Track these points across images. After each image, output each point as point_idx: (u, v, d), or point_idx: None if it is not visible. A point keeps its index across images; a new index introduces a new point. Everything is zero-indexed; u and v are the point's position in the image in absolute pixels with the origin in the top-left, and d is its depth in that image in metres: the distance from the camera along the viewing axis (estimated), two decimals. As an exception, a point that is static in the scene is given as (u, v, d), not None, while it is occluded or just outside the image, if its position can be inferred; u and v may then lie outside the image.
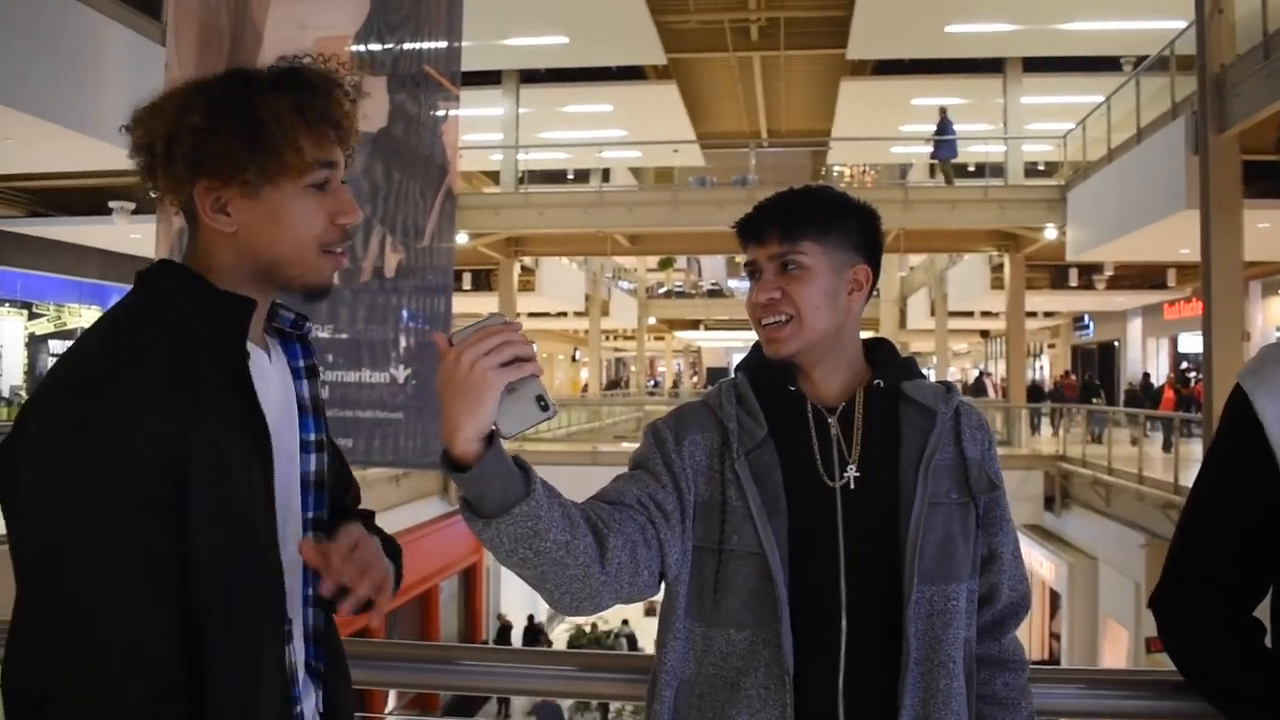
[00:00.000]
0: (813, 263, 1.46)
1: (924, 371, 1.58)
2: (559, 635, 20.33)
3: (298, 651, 1.30)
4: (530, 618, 19.68)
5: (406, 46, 3.31)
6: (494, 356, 1.15)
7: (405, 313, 3.31)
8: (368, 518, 1.46)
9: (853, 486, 1.43)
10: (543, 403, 1.18)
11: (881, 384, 1.50)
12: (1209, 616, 1.44)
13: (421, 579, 15.07)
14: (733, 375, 1.55)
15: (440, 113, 3.37)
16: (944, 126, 18.13)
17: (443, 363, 1.16)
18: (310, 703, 1.33)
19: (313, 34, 3.31)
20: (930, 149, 19.10)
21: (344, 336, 3.27)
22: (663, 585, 1.45)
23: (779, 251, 1.47)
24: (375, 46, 3.31)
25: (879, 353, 1.54)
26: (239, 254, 1.26)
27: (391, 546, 1.43)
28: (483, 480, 1.20)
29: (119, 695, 1.09)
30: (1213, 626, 1.44)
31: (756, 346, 1.55)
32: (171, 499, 1.13)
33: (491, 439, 1.19)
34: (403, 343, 3.30)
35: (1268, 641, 1.44)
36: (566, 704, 14.28)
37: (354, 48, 3.26)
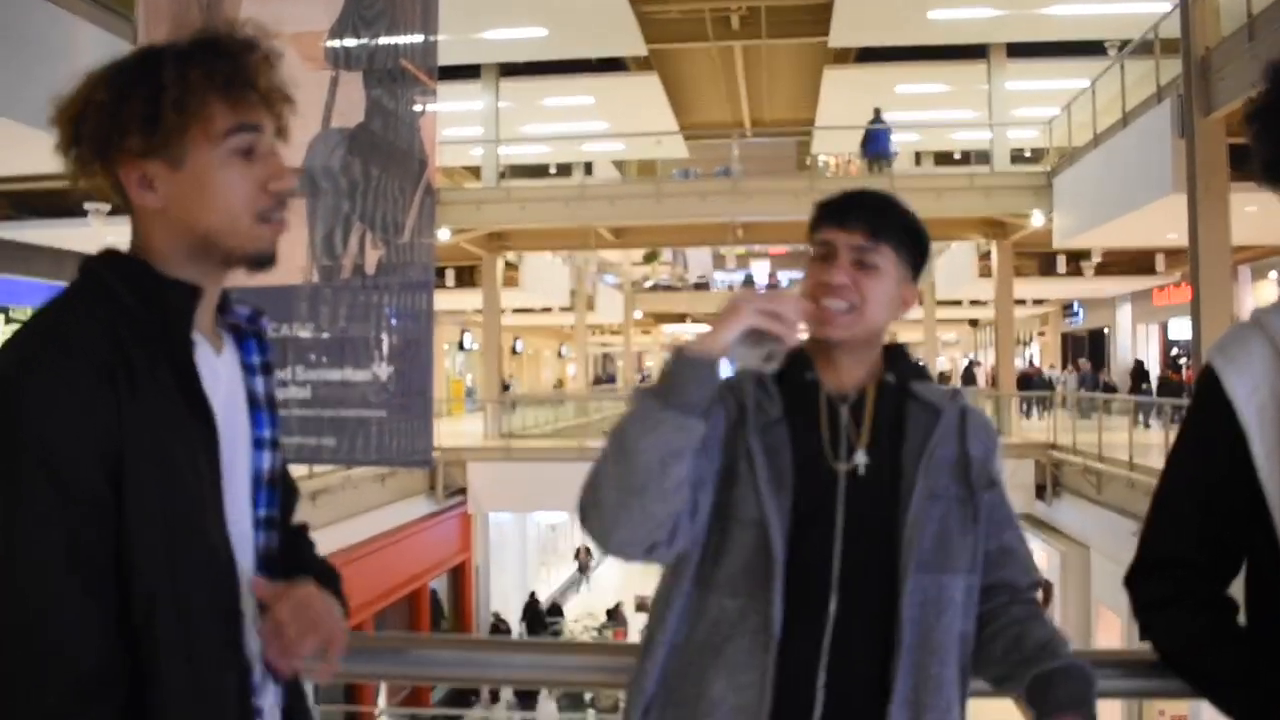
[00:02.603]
0: (887, 267, 1.53)
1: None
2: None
3: (253, 646, 1.27)
4: (532, 594, 19.62)
5: (382, 41, 3.29)
6: (758, 303, 1.39)
7: (387, 310, 3.27)
8: (309, 552, 1.45)
9: (861, 473, 1.50)
10: (770, 358, 1.40)
11: (894, 381, 1.57)
12: (1182, 596, 1.46)
13: (409, 578, 15.02)
14: None
15: (418, 107, 3.34)
16: (874, 127, 18.01)
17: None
18: (269, 698, 1.32)
19: (286, 29, 3.24)
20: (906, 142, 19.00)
21: (325, 335, 3.24)
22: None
23: (863, 244, 1.53)
24: (350, 41, 3.28)
25: (894, 354, 1.61)
26: (173, 231, 1.23)
27: (330, 575, 1.42)
28: (687, 377, 1.38)
29: (38, 691, 1.08)
30: (1186, 606, 1.46)
31: None
32: (103, 492, 1.12)
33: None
34: (385, 340, 3.27)
35: (1241, 619, 1.45)
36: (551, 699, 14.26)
37: (329, 43, 3.22)
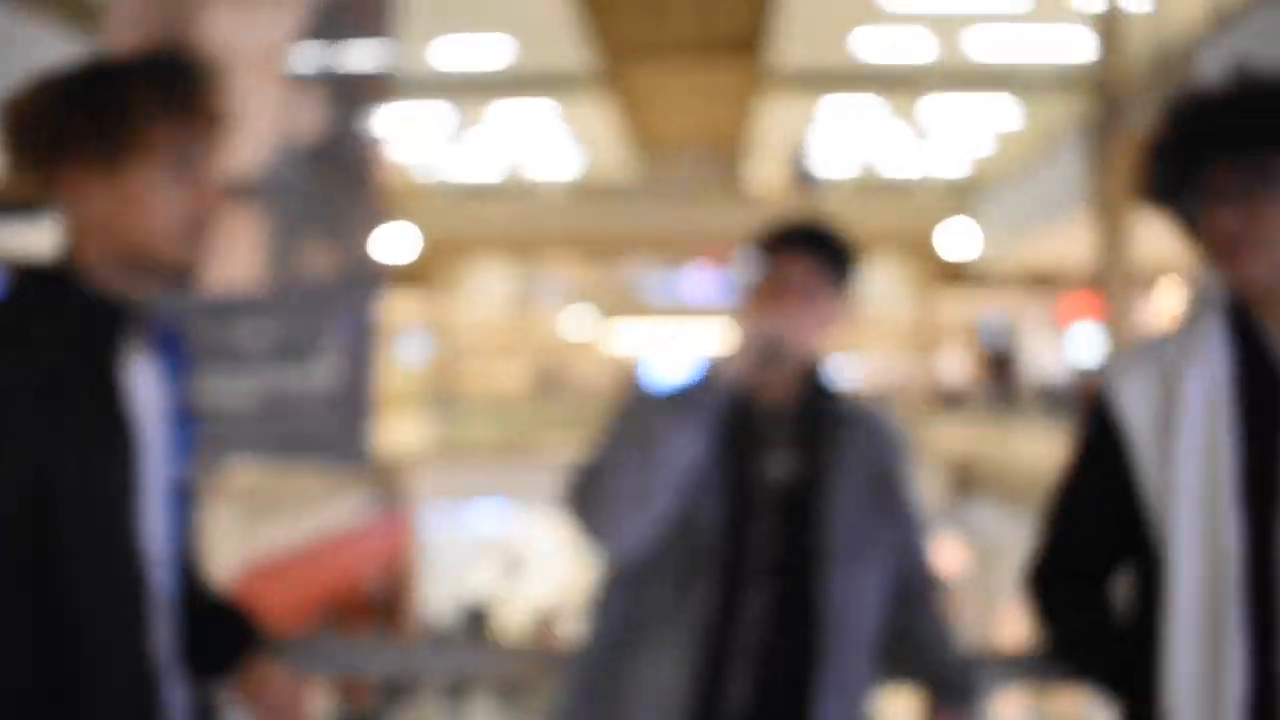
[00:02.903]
0: (830, 296, 1.66)
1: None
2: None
3: (165, 647, 1.29)
4: (472, 606, 19.52)
5: (341, 57, 3.35)
6: (762, 322, 1.54)
7: (334, 316, 3.32)
8: (213, 592, 1.46)
9: (787, 479, 1.60)
10: (779, 361, 1.56)
11: (826, 394, 1.67)
12: (1072, 600, 1.54)
13: (350, 580, 14.88)
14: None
15: (373, 118, 3.41)
16: (802, 156, 18.49)
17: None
18: (177, 692, 1.32)
19: (245, 40, 3.37)
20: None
21: (270, 341, 3.32)
22: None
23: (814, 276, 1.64)
24: (310, 54, 3.33)
25: (823, 368, 1.71)
26: (104, 241, 1.25)
27: (243, 621, 1.45)
28: (714, 392, 1.52)
29: None
30: (1077, 609, 1.53)
31: None
32: (26, 510, 1.16)
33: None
34: (330, 344, 3.29)
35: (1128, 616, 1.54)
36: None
37: (288, 54, 3.31)
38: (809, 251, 1.63)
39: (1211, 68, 8.46)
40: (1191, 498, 1.38)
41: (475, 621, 19.41)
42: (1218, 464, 1.37)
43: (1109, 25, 10.85)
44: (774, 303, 1.60)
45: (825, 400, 1.66)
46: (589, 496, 1.51)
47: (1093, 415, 1.50)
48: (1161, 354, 1.45)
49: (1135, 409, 1.43)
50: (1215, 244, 1.40)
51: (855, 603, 1.56)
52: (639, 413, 1.53)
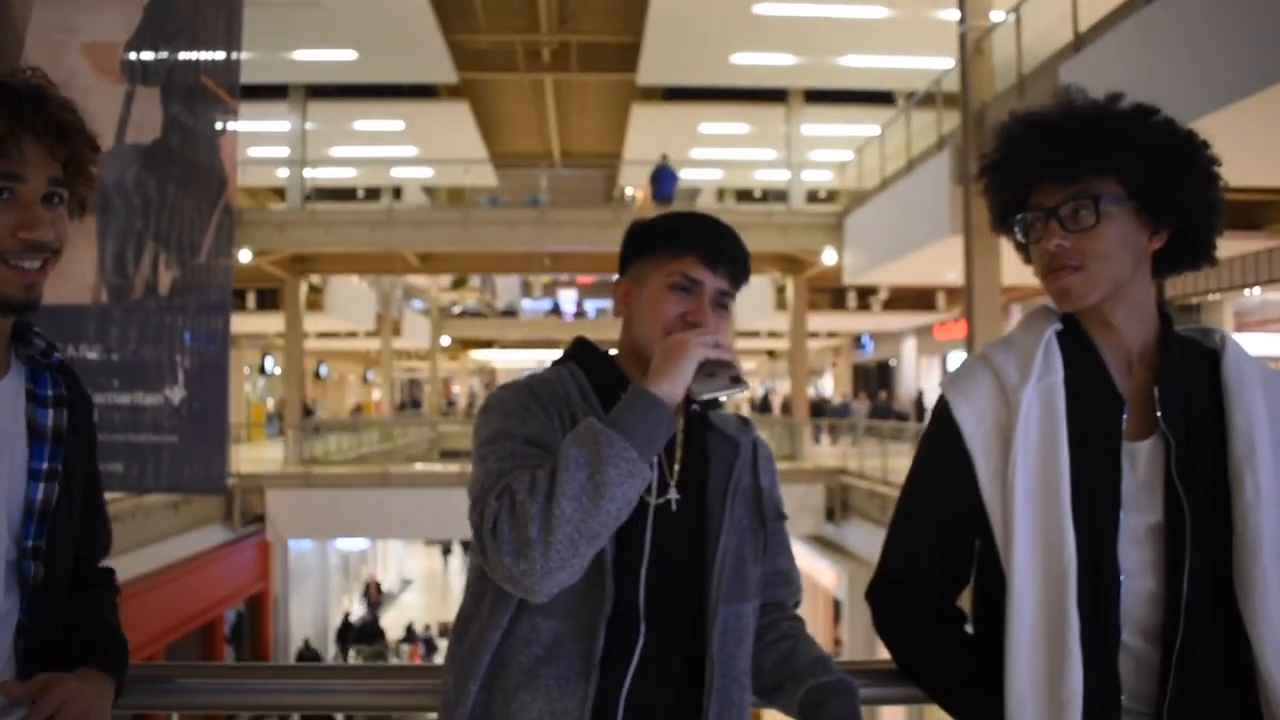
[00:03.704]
0: (731, 308, 1.60)
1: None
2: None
3: (5, 673, 1.29)
4: (306, 641, 19.20)
5: (182, 56, 3.18)
6: (702, 338, 1.44)
7: (181, 332, 3.17)
8: (98, 619, 1.45)
9: (673, 508, 1.53)
10: (736, 380, 1.46)
11: (698, 410, 1.60)
12: (916, 611, 1.56)
13: (204, 608, 14.40)
14: (563, 366, 1.58)
15: (219, 125, 3.24)
16: (661, 170, 18.47)
17: (659, 344, 1.46)
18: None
19: (80, 39, 3.14)
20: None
21: (114, 357, 3.10)
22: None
23: (726, 290, 1.58)
24: (148, 55, 3.16)
25: None
26: None
27: (109, 646, 1.43)
28: (660, 424, 1.39)
29: None
30: (919, 620, 1.55)
31: (583, 348, 1.62)
32: None
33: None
34: (178, 363, 3.15)
35: (970, 628, 1.57)
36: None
37: (126, 56, 3.10)
38: (724, 267, 1.56)
39: (1071, 83, 8.66)
40: (1028, 508, 1.42)
41: (339, 646, 19.11)
42: (1054, 475, 1.42)
43: (974, 43, 11.06)
44: (700, 319, 1.52)
45: (704, 415, 1.61)
46: (519, 538, 1.33)
47: (934, 429, 1.55)
48: (1000, 368, 1.50)
49: (973, 422, 1.48)
50: (1042, 262, 1.48)
51: (738, 635, 1.52)
52: (599, 452, 1.35)
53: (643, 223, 1.63)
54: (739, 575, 1.53)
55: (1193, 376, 1.49)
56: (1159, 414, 1.45)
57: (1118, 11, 8.26)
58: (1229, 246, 12.63)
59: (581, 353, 1.61)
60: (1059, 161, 1.44)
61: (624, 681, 1.44)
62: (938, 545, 1.54)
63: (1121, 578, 1.42)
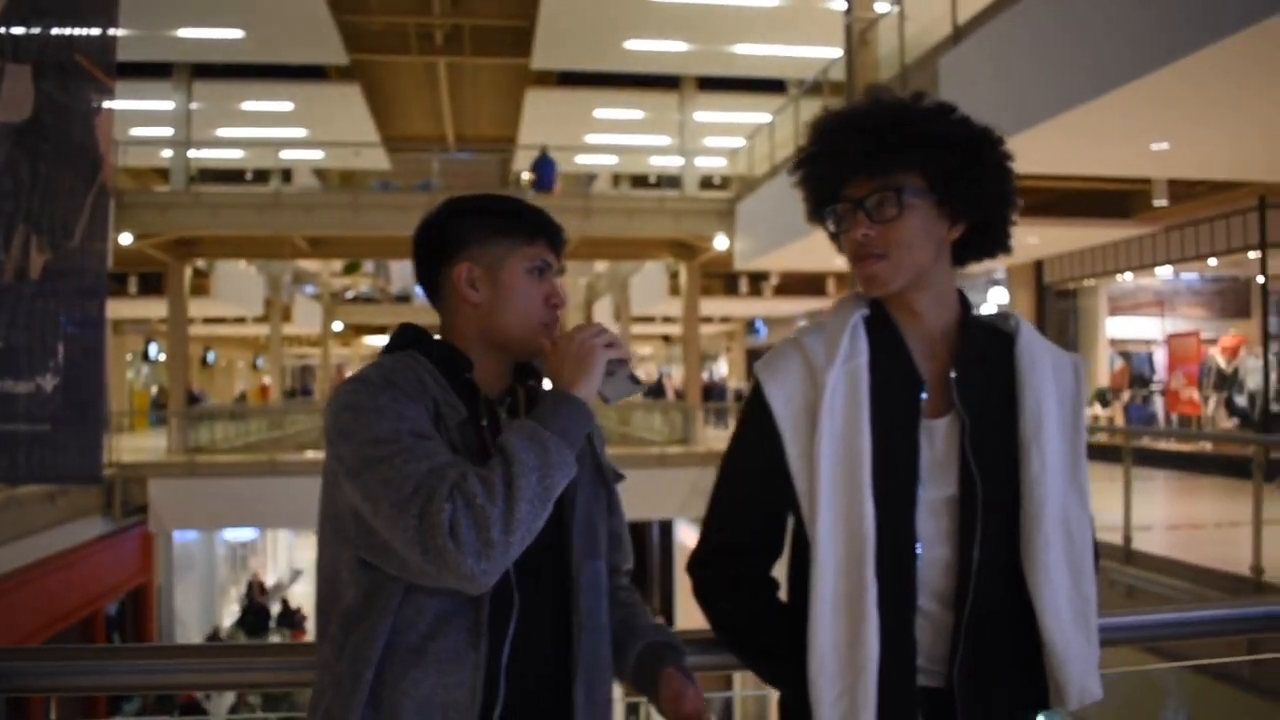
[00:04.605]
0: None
1: None
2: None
3: None
4: (216, 629, 18.86)
5: (55, 32, 3.10)
6: (603, 339, 1.53)
7: (53, 318, 3.12)
8: None
9: None
10: (634, 379, 1.57)
11: (540, 385, 1.66)
12: (732, 580, 1.64)
13: (83, 602, 13.99)
14: (405, 354, 1.59)
15: (94, 104, 3.19)
16: (542, 160, 18.60)
17: (558, 344, 1.55)
18: None
19: None
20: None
21: None
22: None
23: (560, 269, 1.67)
24: (19, 30, 3.09)
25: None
26: None
27: None
28: (584, 424, 1.49)
29: None
30: (734, 589, 1.64)
31: (417, 335, 1.65)
32: None
33: None
34: (50, 350, 3.10)
35: (784, 595, 1.65)
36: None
37: None
38: (560, 249, 1.67)
39: (949, 74, 8.99)
40: (832, 482, 1.51)
41: (258, 626, 18.89)
42: (856, 451, 1.51)
43: (859, 34, 11.33)
44: (560, 303, 1.63)
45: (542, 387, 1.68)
46: (481, 540, 1.36)
47: (748, 409, 1.63)
48: (809, 351, 1.58)
49: (782, 402, 1.56)
50: (851, 250, 1.57)
51: (597, 590, 1.60)
52: (545, 457, 1.43)
53: (471, 203, 1.68)
54: (593, 534, 1.61)
55: (989, 359, 1.60)
56: (955, 394, 1.55)
57: (992, 8, 8.53)
58: (1103, 234, 13.21)
59: (417, 339, 1.64)
60: (866, 155, 1.52)
61: (503, 647, 1.48)
62: (751, 518, 1.63)
63: (919, 547, 1.51)
